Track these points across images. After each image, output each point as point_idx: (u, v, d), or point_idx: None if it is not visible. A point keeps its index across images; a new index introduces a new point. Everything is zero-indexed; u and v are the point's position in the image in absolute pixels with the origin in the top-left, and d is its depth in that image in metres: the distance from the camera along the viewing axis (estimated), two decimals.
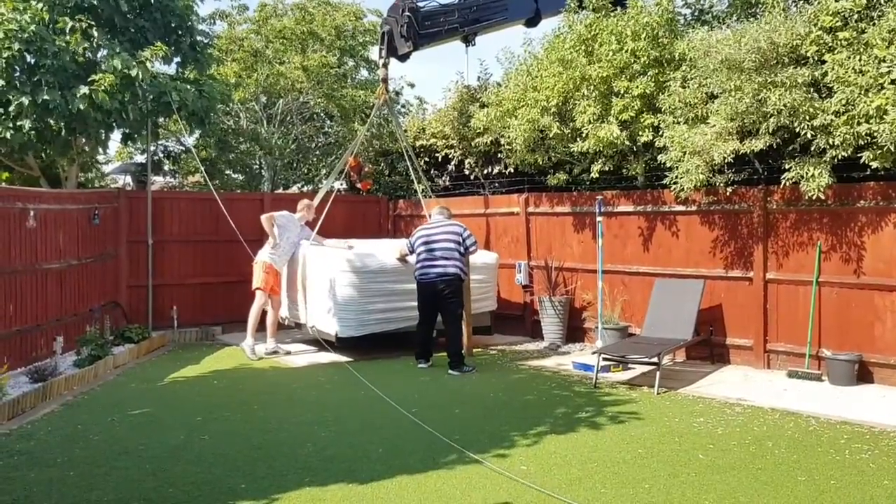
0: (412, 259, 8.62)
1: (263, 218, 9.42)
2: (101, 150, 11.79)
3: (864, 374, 7.34)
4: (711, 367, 8.26)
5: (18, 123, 8.91)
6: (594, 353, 7.83)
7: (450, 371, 8.17)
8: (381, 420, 6.27)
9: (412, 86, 17.57)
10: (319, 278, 9.03)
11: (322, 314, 9.00)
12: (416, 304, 8.60)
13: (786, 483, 4.65)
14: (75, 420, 6.31)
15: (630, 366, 8.08)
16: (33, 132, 9.11)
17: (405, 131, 12.80)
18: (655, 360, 7.28)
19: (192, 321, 10.69)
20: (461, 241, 8.45)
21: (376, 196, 13.11)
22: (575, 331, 9.94)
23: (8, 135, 8.90)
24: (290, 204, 11.21)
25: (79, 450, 5.47)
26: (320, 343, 9.37)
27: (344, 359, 8.89)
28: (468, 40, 11.04)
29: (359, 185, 12.32)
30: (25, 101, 8.76)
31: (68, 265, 8.93)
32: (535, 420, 6.14)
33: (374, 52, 15.45)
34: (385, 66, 10.48)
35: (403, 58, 10.41)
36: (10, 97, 8.80)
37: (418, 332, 8.64)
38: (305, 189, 15.84)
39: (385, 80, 10.59)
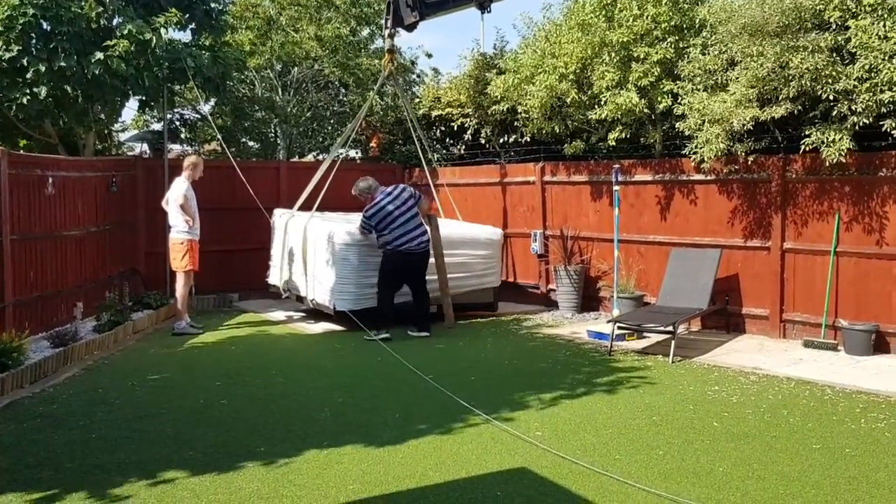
0: (373, 237, 8.52)
1: (178, 205, 8.76)
2: (116, 117, 11.82)
3: (880, 344, 7.31)
4: (727, 337, 8.25)
5: (35, 90, 8.94)
6: (609, 321, 7.83)
7: (413, 332, 8.47)
8: (398, 386, 6.33)
9: (430, 56, 17.31)
10: (319, 251, 8.99)
11: (321, 287, 8.97)
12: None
13: (800, 451, 4.67)
14: (96, 384, 6.41)
15: (645, 334, 8.09)
16: (50, 99, 9.14)
17: (419, 101, 12.74)
18: (671, 328, 7.29)
19: (210, 288, 10.77)
20: (415, 200, 8.61)
21: (391, 164, 13.09)
22: (590, 300, 9.94)
23: (25, 100, 8.93)
24: (306, 172, 11.25)
25: (100, 413, 5.57)
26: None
27: (358, 327, 8.94)
28: (483, 7, 10.76)
29: (373, 144, 12.47)
30: (42, 67, 8.77)
31: (87, 232, 9.01)
32: (550, 387, 6.18)
33: None
34: (391, 36, 10.15)
35: (410, 28, 10.08)
36: (27, 63, 8.81)
37: (388, 304, 8.47)
38: (321, 157, 15.80)
39: (391, 51, 10.29)
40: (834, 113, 7.15)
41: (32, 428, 5.22)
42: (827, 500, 3.94)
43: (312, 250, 9.14)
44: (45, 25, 8.97)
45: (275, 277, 10.30)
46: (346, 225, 8.89)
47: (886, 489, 4.07)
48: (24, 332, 6.87)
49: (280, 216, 10.32)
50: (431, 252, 8.78)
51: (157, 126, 14.47)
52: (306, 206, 10.01)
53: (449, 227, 9.75)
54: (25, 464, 4.53)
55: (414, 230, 8.45)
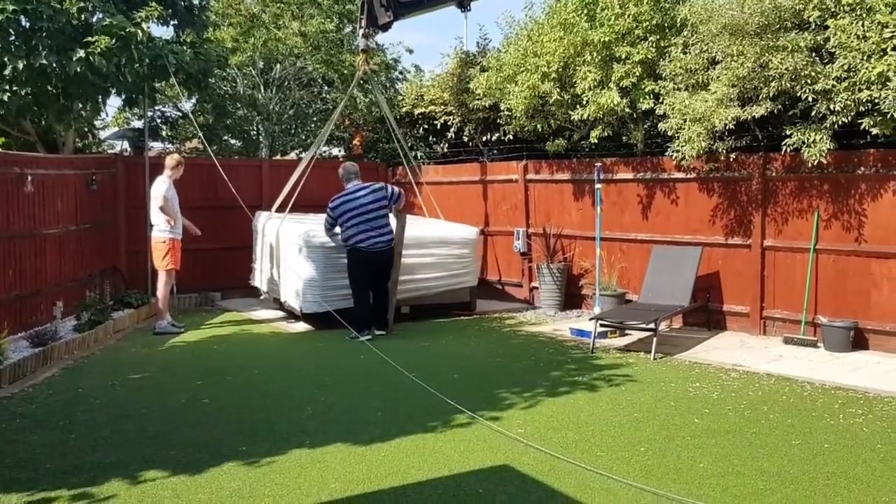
0: (338, 231, 8.38)
1: (160, 205, 8.75)
2: (97, 115, 11.71)
3: (859, 340, 7.39)
4: (708, 334, 8.31)
5: (14, 88, 8.83)
6: (591, 319, 7.86)
7: (380, 332, 8.34)
8: (381, 384, 6.32)
9: (410, 51, 17.30)
10: (288, 254, 8.96)
11: (290, 289, 8.95)
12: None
13: (780, 447, 4.71)
14: (76, 384, 6.35)
15: (627, 332, 8.14)
16: (30, 97, 9.04)
17: (402, 98, 12.72)
18: (652, 326, 7.32)
19: (192, 287, 10.71)
20: (387, 199, 8.40)
21: (374, 162, 13.06)
22: (572, 297, 9.98)
23: (5, 97, 8.82)
24: (289, 170, 11.18)
25: (80, 413, 5.52)
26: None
27: (339, 325, 8.91)
28: (463, 6, 10.69)
29: (356, 142, 12.42)
30: (21, 64, 8.67)
31: (67, 230, 8.92)
32: (532, 384, 6.20)
33: None
34: (365, 36, 10.04)
35: (385, 27, 10.00)
36: (6, 60, 8.70)
37: (362, 303, 8.35)
38: (303, 155, 15.74)
39: (365, 51, 10.16)
40: (813, 112, 7.22)
41: (11, 428, 5.17)
42: (805, 496, 3.98)
43: (284, 253, 9.12)
44: (24, 22, 8.86)
45: (257, 279, 10.29)
46: (316, 227, 8.76)
47: (864, 484, 4.12)
48: (2, 332, 6.79)
49: (259, 218, 10.29)
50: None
51: (137, 124, 14.34)
52: (283, 207, 9.98)
53: (423, 227, 9.69)
54: (4, 464, 4.48)
55: (372, 230, 8.22)
